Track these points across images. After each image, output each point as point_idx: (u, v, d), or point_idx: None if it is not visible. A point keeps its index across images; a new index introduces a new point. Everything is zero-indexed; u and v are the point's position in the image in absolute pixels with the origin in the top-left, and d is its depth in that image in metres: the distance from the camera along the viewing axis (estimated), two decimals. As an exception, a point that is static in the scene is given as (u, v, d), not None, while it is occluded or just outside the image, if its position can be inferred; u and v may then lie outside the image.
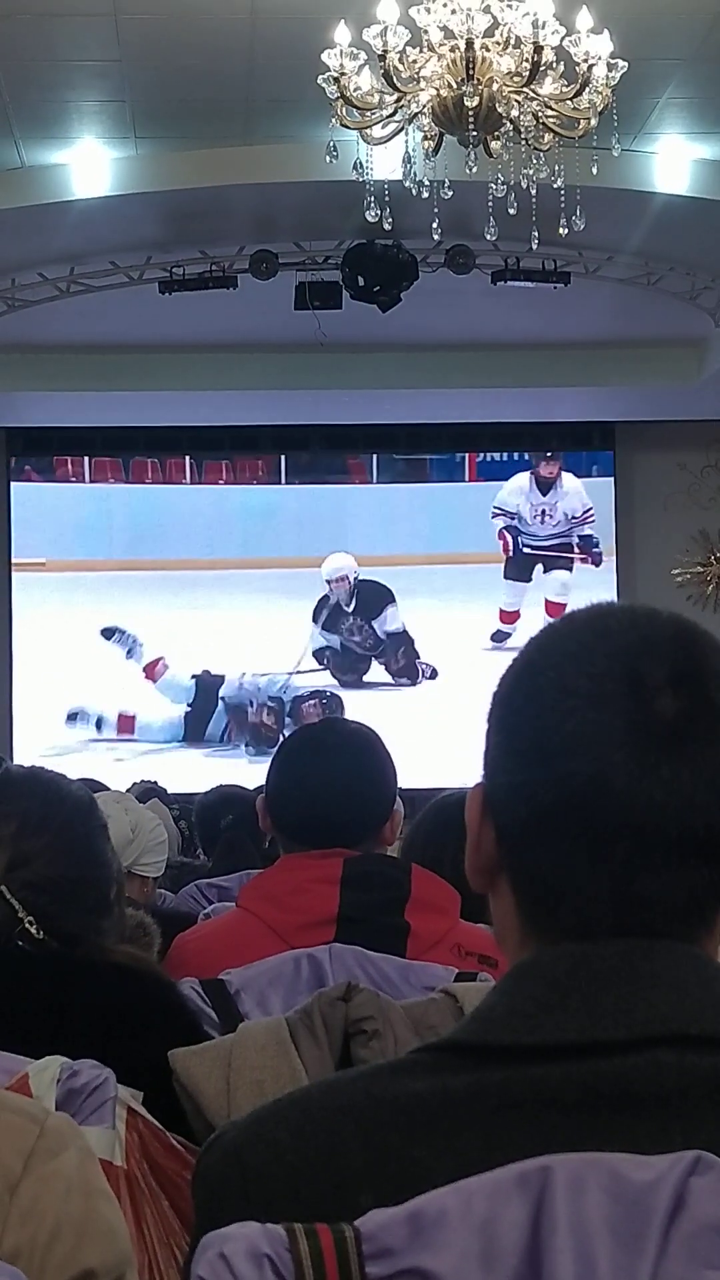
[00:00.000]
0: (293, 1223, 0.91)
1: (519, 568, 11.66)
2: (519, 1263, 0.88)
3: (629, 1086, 0.95)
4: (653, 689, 1.01)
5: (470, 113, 5.00)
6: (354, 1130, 0.97)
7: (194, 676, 11.44)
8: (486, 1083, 0.96)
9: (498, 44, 5.02)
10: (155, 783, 7.68)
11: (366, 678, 11.58)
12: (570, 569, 11.64)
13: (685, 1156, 0.90)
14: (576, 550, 11.64)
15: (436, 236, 5.89)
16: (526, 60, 4.95)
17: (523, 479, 11.71)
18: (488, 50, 5.00)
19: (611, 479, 11.82)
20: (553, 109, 5.11)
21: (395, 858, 2.50)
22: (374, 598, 11.56)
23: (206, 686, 11.48)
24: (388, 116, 5.17)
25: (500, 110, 5.07)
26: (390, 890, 2.21)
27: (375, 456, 11.73)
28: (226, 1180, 0.99)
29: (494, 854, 1.06)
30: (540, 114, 5.11)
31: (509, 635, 11.43)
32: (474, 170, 5.20)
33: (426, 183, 5.45)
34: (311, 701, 11.40)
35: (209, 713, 11.51)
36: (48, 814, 1.91)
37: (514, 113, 5.10)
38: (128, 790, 6.20)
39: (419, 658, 11.53)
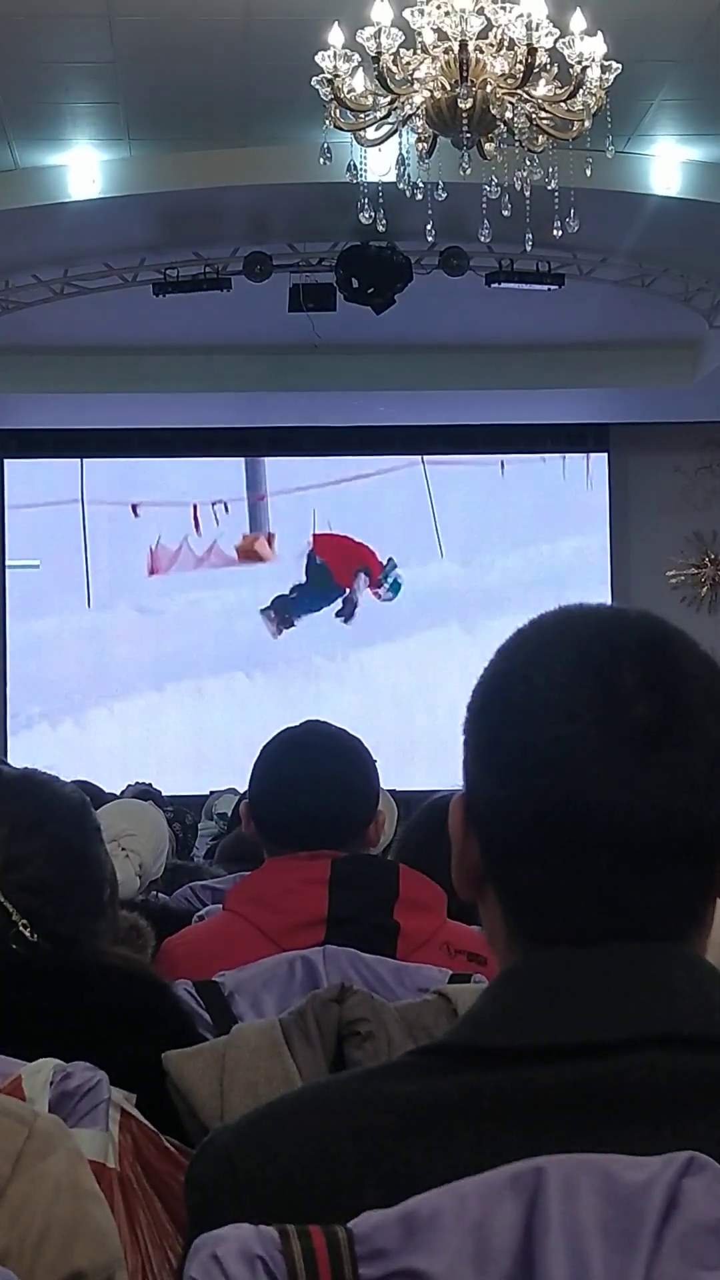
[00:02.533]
0: (285, 1224, 0.91)
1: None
2: (512, 1264, 0.88)
3: (622, 1088, 0.95)
4: (625, 697, 1.00)
5: (464, 114, 5.00)
6: (346, 1133, 0.97)
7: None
8: (479, 1085, 0.96)
9: (491, 46, 5.02)
10: (149, 784, 7.71)
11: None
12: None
13: (678, 1157, 0.90)
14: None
15: (430, 238, 5.90)
16: (520, 62, 4.96)
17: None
18: (481, 52, 5.00)
19: (606, 480, 11.84)
20: (546, 111, 5.11)
21: (382, 857, 2.50)
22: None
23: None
24: (382, 118, 5.17)
25: (494, 112, 5.07)
26: (379, 890, 2.21)
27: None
28: (219, 1183, 0.99)
29: (479, 865, 1.05)
30: (534, 116, 5.12)
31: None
32: (468, 172, 5.20)
33: (420, 184, 5.45)
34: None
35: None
36: (41, 817, 1.91)
37: (508, 114, 5.10)
38: (122, 793, 6.22)
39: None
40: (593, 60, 5.06)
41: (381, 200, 5.57)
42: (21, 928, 1.82)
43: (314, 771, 2.28)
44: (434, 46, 5.03)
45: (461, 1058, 0.98)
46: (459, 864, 1.07)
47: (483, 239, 5.77)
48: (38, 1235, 1.19)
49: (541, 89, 5.09)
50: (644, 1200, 0.88)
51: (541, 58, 4.97)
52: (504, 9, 4.98)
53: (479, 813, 1.04)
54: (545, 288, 8.77)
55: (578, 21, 5.06)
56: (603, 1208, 0.88)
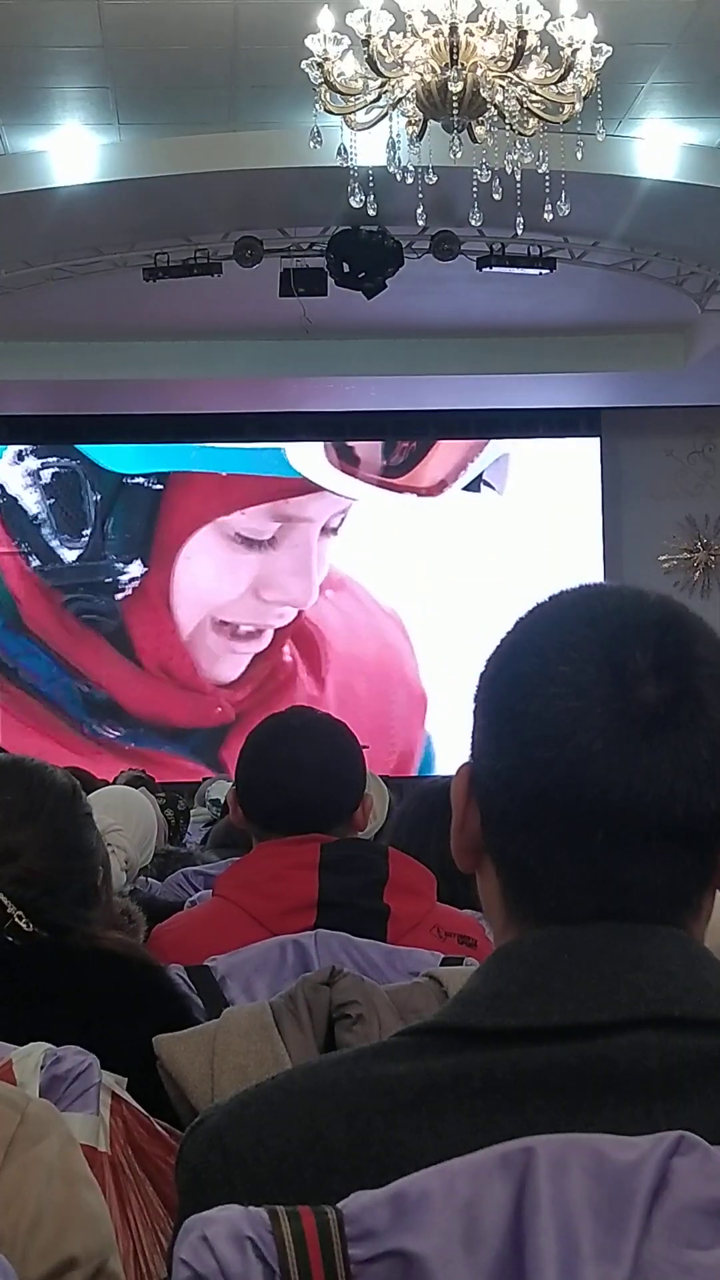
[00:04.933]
0: (275, 1205, 0.91)
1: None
2: (502, 1244, 0.88)
3: (612, 1068, 0.95)
4: (634, 676, 1.00)
5: (454, 98, 5.00)
6: (336, 1113, 0.97)
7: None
8: (469, 1065, 0.96)
9: (481, 28, 5.01)
10: (143, 772, 7.71)
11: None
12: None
13: (668, 1137, 0.89)
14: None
15: (421, 222, 5.88)
16: (510, 45, 4.94)
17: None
18: (471, 35, 4.99)
19: (598, 465, 11.83)
20: (537, 94, 5.10)
21: (372, 841, 2.50)
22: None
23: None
24: (372, 102, 5.16)
25: (484, 95, 5.06)
26: (369, 874, 2.22)
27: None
28: (209, 1164, 0.99)
29: (478, 835, 1.05)
30: (524, 99, 5.11)
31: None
32: (458, 156, 5.19)
33: (411, 168, 5.44)
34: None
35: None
36: (32, 806, 1.91)
37: (498, 97, 5.09)
38: (114, 780, 6.22)
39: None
40: (583, 43, 5.05)
41: (372, 184, 5.56)
42: (17, 919, 1.83)
43: (300, 757, 2.29)
44: (424, 30, 5.02)
45: (452, 1038, 0.98)
46: (458, 832, 1.07)
47: (473, 223, 5.77)
48: (30, 1221, 1.19)
49: (532, 72, 5.08)
50: (634, 1180, 0.88)
51: (532, 41, 4.96)
52: (494, -9, 4.97)
53: (481, 781, 1.04)
54: (536, 272, 8.75)
55: (568, 4, 5.05)
56: (592, 1187, 0.88)
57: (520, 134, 5.25)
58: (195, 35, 6.60)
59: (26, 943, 1.83)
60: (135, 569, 11.66)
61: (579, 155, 5.66)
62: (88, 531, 11.68)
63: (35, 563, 11.63)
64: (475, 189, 5.47)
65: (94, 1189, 1.27)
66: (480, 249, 8.61)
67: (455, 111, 5.05)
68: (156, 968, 1.97)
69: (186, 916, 2.45)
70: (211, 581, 11.62)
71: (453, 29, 4.94)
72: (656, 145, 7.72)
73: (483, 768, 1.04)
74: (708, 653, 1.03)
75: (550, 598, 1.07)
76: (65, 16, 6.41)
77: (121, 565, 11.64)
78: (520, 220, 5.86)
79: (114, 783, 5.98)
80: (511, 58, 4.96)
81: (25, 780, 1.94)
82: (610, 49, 5.13)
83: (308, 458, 11.74)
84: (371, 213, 5.73)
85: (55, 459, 11.62)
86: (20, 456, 11.64)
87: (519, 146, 5.32)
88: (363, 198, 5.53)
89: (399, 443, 11.75)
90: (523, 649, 1.04)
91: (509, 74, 5.02)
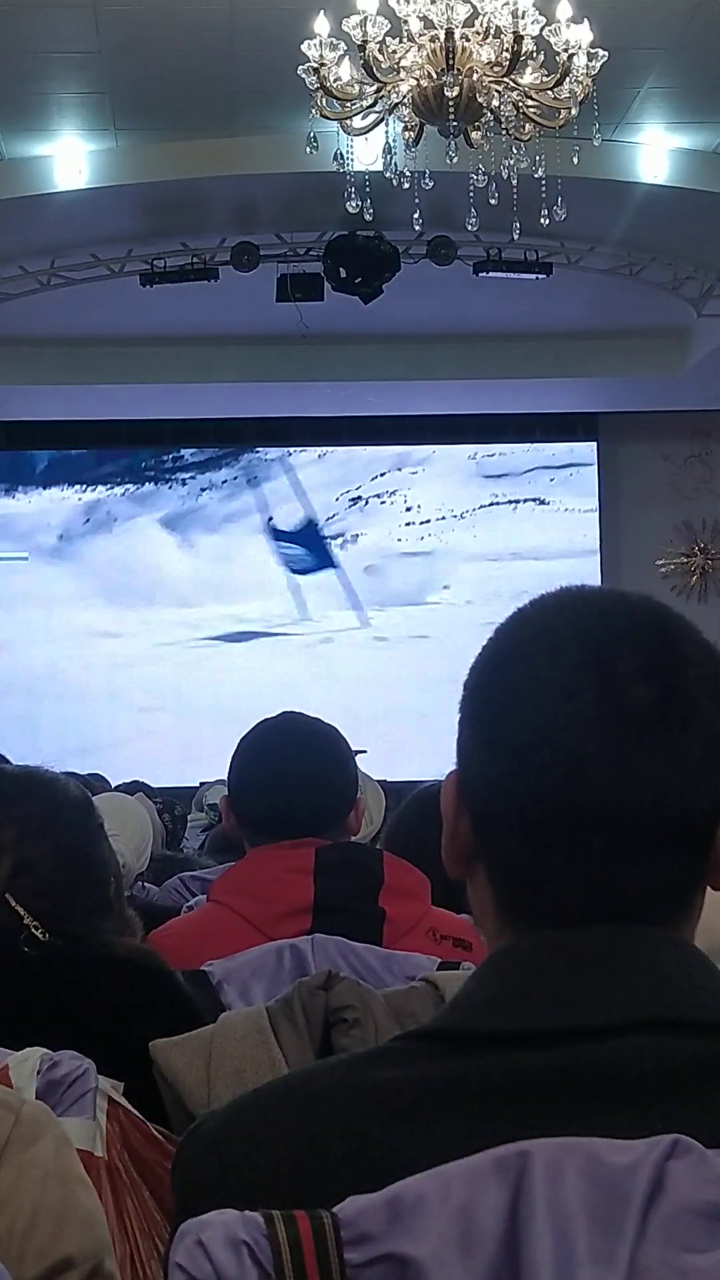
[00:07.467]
0: (270, 1209, 0.91)
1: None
2: (497, 1247, 0.88)
3: (608, 1072, 0.95)
4: (624, 679, 1.00)
5: (450, 103, 4.99)
6: (333, 1118, 0.97)
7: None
8: (466, 1070, 0.96)
9: (477, 34, 5.01)
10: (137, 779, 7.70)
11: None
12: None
13: (663, 1140, 0.90)
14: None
15: (418, 227, 5.89)
16: (506, 50, 4.95)
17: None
18: (468, 40, 4.99)
19: (596, 470, 11.83)
20: (533, 99, 5.10)
21: (366, 845, 2.51)
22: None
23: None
24: (368, 107, 5.16)
25: (480, 100, 5.07)
26: (364, 877, 2.22)
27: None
28: (205, 1170, 0.99)
29: (470, 842, 1.05)
30: (521, 104, 5.11)
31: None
32: (455, 161, 5.19)
33: (407, 173, 5.44)
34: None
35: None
36: (48, 819, 1.94)
37: (494, 103, 5.09)
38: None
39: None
40: (579, 48, 5.05)
41: (368, 189, 5.56)
42: (33, 929, 1.85)
43: (292, 762, 2.29)
44: (420, 35, 5.02)
45: (449, 1043, 0.98)
46: (449, 841, 1.07)
47: (470, 228, 5.77)
48: (26, 1222, 1.19)
49: (528, 77, 5.08)
50: (629, 1183, 0.88)
51: (528, 45, 4.96)
52: (490, -4, 4.97)
53: (474, 789, 1.04)
54: (533, 276, 8.76)
55: (564, 9, 5.05)
56: (588, 1190, 0.88)
57: (516, 139, 5.24)
58: (191, 41, 6.61)
59: (43, 953, 1.85)
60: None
61: (575, 160, 5.66)
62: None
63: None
64: (472, 194, 5.47)
65: (89, 1190, 1.27)
66: (477, 254, 8.62)
67: (451, 116, 5.05)
68: (170, 972, 1.98)
69: (182, 922, 2.45)
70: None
71: (449, 34, 4.95)
72: (653, 150, 7.72)
73: (474, 775, 1.04)
74: (695, 652, 1.03)
75: (532, 604, 1.07)
76: (62, 22, 6.42)
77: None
78: (517, 225, 5.86)
79: (111, 788, 5.98)
80: (508, 63, 4.96)
81: (40, 793, 1.97)
82: (606, 54, 5.13)
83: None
84: (368, 218, 5.72)
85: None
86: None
87: (515, 151, 5.32)
88: (359, 203, 5.53)
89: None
90: (510, 656, 1.04)
91: (505, 79, 5.02)
